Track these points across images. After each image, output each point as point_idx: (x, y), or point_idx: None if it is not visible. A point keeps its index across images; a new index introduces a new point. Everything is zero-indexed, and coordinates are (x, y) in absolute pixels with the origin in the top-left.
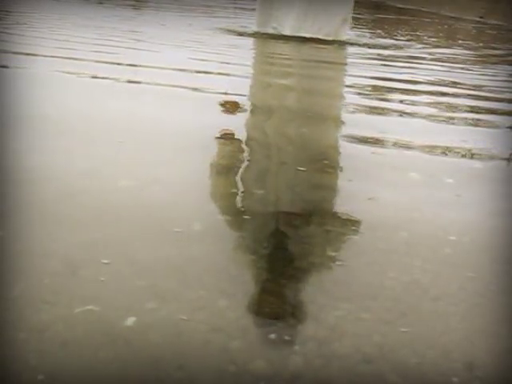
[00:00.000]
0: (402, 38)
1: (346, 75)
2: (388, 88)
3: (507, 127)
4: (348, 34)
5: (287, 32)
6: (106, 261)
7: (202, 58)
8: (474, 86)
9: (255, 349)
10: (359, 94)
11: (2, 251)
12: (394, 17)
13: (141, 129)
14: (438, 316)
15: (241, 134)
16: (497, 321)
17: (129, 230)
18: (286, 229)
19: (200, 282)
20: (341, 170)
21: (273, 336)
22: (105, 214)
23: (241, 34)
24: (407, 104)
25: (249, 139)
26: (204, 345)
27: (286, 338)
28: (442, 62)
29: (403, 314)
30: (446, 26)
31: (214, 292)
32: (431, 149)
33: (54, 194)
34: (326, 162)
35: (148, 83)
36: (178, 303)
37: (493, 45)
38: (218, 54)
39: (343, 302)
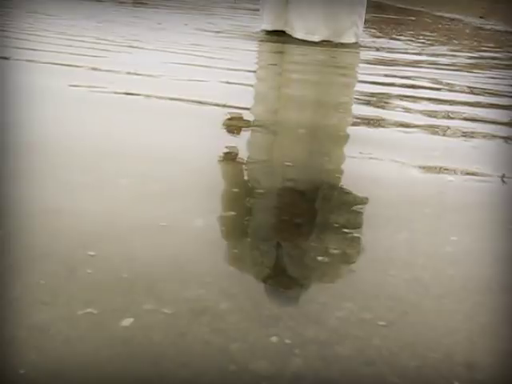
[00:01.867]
0: (400, 39)
1: (356, 82)
2: (385, 94)
3: (504, 138)
4: (361, 36)
5: (298, 35)
6: (103, 259)
7: (201, 63)
8: (473, 90)
9: (256, 351)
10: (358, 102)
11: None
12: (392, 17)
13: (136, 152)
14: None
15: (244, 155)
16: (499, 321)
17: (128, 228)
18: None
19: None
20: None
21: (274, 339)
22: (104, 212)
23: (242, 36)
24: (404, 112)
25: (251, 161)
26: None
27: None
28: (441, 65)
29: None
30: (445, 26)
31: (215, 292)
32: (427, 168)
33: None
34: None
35: (147, 95)
36: (177, 304)
37: (493, 47)
38: (217, 58)
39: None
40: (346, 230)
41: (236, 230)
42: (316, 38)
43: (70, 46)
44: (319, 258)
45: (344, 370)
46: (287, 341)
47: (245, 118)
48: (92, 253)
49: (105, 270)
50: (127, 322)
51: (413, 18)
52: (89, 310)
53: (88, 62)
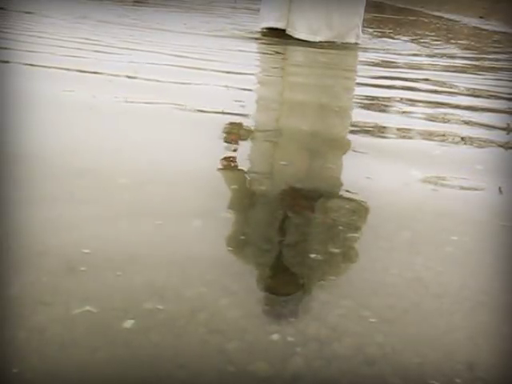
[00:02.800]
0: (400, 39)
1: (357, 84)
2: (386, 98)
3: (500, 145)
4: (361, 37)
5: (300, 36)
6: (104, 258)
7: (200, 65)
8: (472, 93)
9: (256, 350)
10: (359, 105)
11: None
12: (392, 17)
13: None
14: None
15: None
16: (500, 320)
17: (127, 227)
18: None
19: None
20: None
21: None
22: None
23: (242, 37)
24: (404, 115)
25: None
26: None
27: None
28: (441, 66)
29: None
30: (444, 27)
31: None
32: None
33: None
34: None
35: (144, 101)
36: (177, 302)
37: (493, 47)
38: (217, 61)
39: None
40: (346, 230)
41: (237, 230)
42: (318, 39)
43: (67, 47)
44: (319, 258)
45: (344, 370)
46: (290, 339)
47: (245, 124)
48: (87, 251)
49: (103, 268)
50: (128, 323)
51: (412, 18)
52: (87, 307)
53: (85, 64)
